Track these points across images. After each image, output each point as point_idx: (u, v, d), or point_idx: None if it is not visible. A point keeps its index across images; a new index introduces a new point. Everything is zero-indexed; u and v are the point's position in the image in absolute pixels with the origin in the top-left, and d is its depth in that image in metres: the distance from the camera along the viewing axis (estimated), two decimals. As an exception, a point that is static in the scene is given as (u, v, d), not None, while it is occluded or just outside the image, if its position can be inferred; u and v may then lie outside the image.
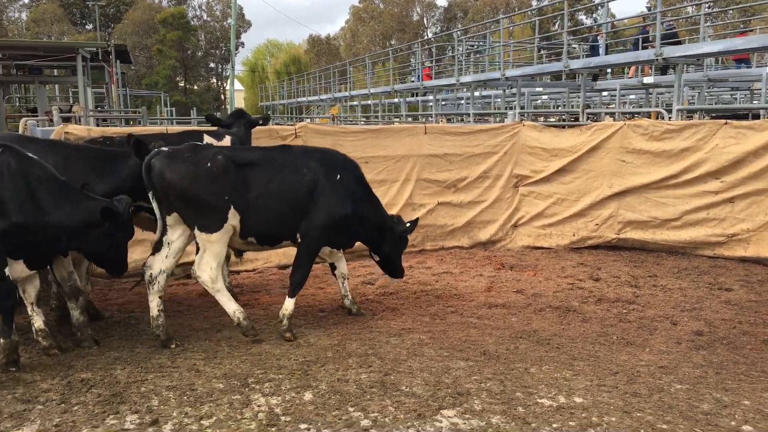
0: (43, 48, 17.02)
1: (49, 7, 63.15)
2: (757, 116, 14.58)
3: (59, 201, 4.80)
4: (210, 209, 5.39)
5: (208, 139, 6.50)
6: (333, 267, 6.33)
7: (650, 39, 13.52)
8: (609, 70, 21.54)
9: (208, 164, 5.39)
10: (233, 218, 5.44)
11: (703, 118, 13.40)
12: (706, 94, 18.68)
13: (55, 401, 4.26)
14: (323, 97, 31.89)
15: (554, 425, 3.97)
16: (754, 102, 18.19)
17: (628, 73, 18.24)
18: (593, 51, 16.53)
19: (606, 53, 14.11)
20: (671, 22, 16.97)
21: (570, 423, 4.00)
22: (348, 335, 5.61)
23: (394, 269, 6.44)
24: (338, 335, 5.62)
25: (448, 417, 4.09)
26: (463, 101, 25.19)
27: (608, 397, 4.36)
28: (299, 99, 36.09)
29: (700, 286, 7.16)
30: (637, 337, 5.60)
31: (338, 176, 5.75)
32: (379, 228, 6.12)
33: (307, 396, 4.38)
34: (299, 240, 5.71)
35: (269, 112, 39.16)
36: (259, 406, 4.23)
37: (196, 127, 8.41)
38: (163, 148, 5.48)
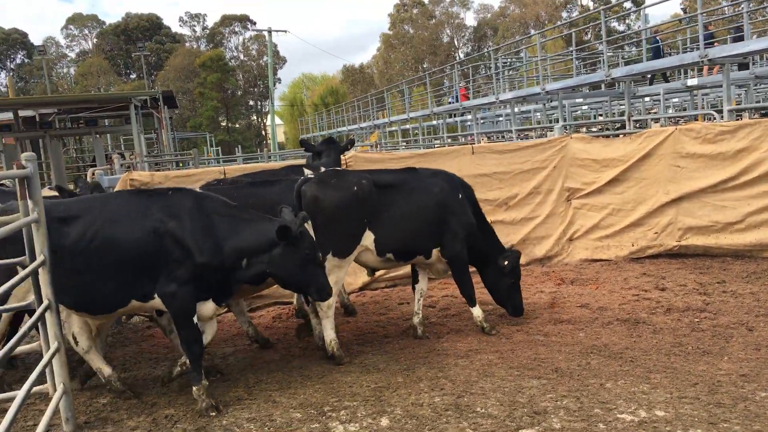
0: (98, 100, 17.87)
1: (95, 61, 66.30)
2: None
3: (235, 226, 4.92)
4: (349, 233, 5.80)
5: (307, 172, 6.74)
6: (415, 280, 6.57)
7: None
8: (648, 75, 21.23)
9: (355, 188, 5.75)
10: (367, 239, 5.88)
11: (753, 116, 13.08)
12: (753, 91, 18.23)
13: (142, 438, 4.42)
14: (363, 125, 32.35)
15: (638, 440, 3.91)
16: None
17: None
18: (656, 53, 16.29)
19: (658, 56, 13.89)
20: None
21: (654, 437, 3.93)
22: (416, 359, 5.64)
23: (501, 300, 6.60)
24: (406, 360, 5.65)
25: (528, 437, 4.07)
26: (501, 118, 25.19)
27: (691, 409, 4.26)
28: (339, 129, 36.67)
29: (774, 290, 6.92)
30: (713, 345, 5.45)
31: (460, 195, 6.30)
32: (485, 252, 6.46)
33: (384, 422, 4.42)
34: (444, 257, 6.24)
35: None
36: (338, 433, 4.30)
37: (294, 162, 8.93)
38: (310, 175, 5.89)
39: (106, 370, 5.21)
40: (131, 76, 71.10)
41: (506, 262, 6.36)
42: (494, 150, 9.14)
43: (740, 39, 11.68)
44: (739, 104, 17.77)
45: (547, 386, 4.82)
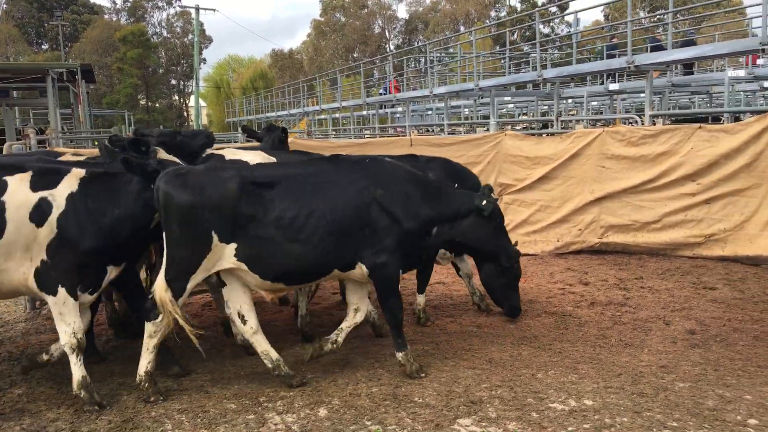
0: (11, 70, 16.60)
1: (4, 27, 61.64)
2: (717, 120, 15.18)
3: (428, 194, 5.02)
4: None
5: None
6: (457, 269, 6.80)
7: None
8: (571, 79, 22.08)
9: None
10: None
11: (666, 122, 13.86)
12: (668, 99, 19.33)
13: (65, 430, 4.16)
14: (292, 111, 31.83)
15: (569, 429, 4.06)
16: (714, 105, 18.87)
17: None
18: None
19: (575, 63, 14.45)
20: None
21: (584, 426, 4.09)
22: (353, 350, 5.62)
23: (495, 298, 6.44)
24: (343, 350, 5.60)
25: (466, 426, 4.14)
26: (431, 112, 25.47)
27: (617, 399, 4.47)
28: (268, 114, 35.92)
29: (685, 286, 7.38)
30: (634, 338, 5.75)
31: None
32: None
33: (322, 412, 4.38)
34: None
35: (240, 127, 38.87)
36: (275, 424, 4.22)
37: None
38: None
39: (273, 354, 4.90)
40: (43, 47, 66.67)
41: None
42: (431, 143, 9.24)
43: (659, 48, 12.36)
44: (654, 110, 18.81)
45: (481, 376, 4.93)
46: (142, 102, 65.23)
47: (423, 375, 4.90)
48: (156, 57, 65.71)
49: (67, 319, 4.48)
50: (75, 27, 64.46)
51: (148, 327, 4.64)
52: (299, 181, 4.79)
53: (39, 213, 4.42)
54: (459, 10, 67.37)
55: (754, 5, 13.88)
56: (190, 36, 63.03)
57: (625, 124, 11.86)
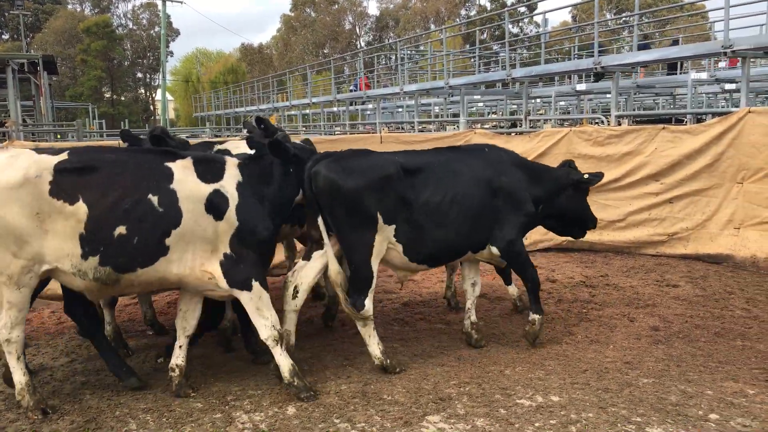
0: (-32, 59, 16.07)
1: (-39, 15, 59.63)
2: (680, 121, 15.56)
3: (534, 176, 5.56)
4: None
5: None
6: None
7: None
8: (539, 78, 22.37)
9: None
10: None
11: (631, 123, 14.15)
12: (633, 99, 19.73)
13: (26, 431, 4.05)
14: (262, 107, 31.53)
15: (536, 424, 4.10)
16: (677, 106, 19.34)
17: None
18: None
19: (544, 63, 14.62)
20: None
21: (551, 421, 4.14)
22: (322, 347, 5.59)
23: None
24: (311, 348, 5.59)
25: (435, 422, 4.15)
26: (401, 110, 25.53)
27: (582, 394, 4.53)
28: (237, 109, 35.51)
29: (649, 284, 7.53)
30: (600, 335, 5.84)
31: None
32: None
33: (291, 410, 4.34)
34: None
35: (208, 123, 38.36)
36: (243, 423, 4.17)
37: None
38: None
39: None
40: (3, 37, 64.67)
41: None
42: (401, 140, 9.24)
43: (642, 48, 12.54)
44: (620, 110, 19.18)
45: (450, 373, 4.95)
46: (107, 95, 63.87)
47: (539, 342, 5.47)
48: (121, 49, 64.40)
49: (265, 312, 4.51)
50: (37, 17, 62.72)
51: (359, 315, 4.93)
52: (439, 169, 5.14)
53: (215, 205, 4.40)
54: (429, 8, 67.58)
55: (716, 9, 14.25)
56: (157, 28, 61.93)
57: (591, 123, 12.07)
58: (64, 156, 4.19)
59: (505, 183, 5.31)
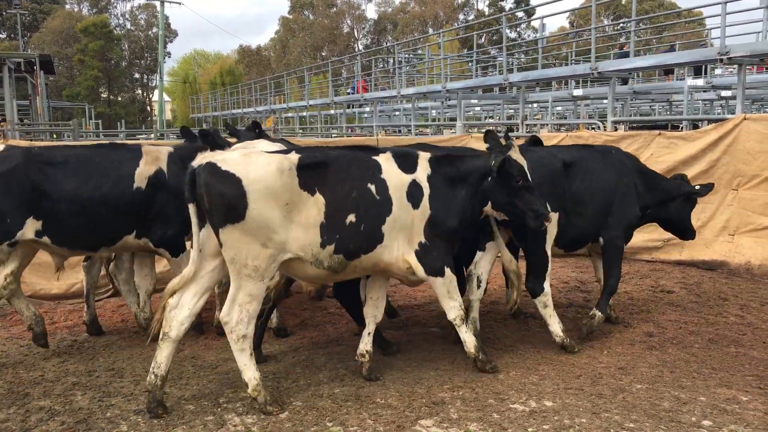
0: (-36, 58, 16.02)
1: (-42, 14, 59.47)
2: (676, 127, 15.61)
3: (646, 181, 6.05)
4: None
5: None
6: None
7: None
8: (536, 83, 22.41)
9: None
10: None
11: (627, 129, 14.19)
12: (629, 106, 19.81)
13: (15, 431, 4.01)
14: (259, 108, 31.52)
15: (530, 429, 4.09)
16: (672, 113, 19.41)
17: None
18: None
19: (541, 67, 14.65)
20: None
21: (544, 426, 4.13)
22: (315, 350, 5.57)
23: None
24: (305, 350, 5.57)
25: (427, 427, 4.14)
26: (398, 113, 25.57)
27: (576, 400, 4.52)
28: (234, 111, 35.49)
29: (643, 289, 7.54)
30: (594, 340, 5.82)
31: None
32: None
33: (283, 414, 4.32)
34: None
35: (204, 124, 38.32)
36: (234, 426, 4.14)
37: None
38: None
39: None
40: (0, 36, 64.52)
41: None
42: (397, 144, 9.20)
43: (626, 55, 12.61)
44: (616, 116, 19.24)
45: (444, 377, 4.94)
46: (104, 95, 63.73)
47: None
48: (119, 49, 64.31)
49: (454, 295, 4.95)
50: (34, 16, 62.61)
51: (540, 299, 5.51)
52: (580, 164, 5.71)
53: (413, 195, 4.75)
54: (428, 12, 67.77)
55: (713, 16, 14.30)
56: (155, 29, 61.95)
57: (588, 129, 12.09)
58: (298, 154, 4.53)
59: (623, 186, 5.85)
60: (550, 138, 9.51)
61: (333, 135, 22.89)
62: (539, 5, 25.77)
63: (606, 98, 14.67)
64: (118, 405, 4.42)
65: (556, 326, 5.51)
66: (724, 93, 15.99)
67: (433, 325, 6.33)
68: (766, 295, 7.27)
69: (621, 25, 30.27)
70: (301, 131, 25.47)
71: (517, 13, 53.80)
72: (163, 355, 4.26)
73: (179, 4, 42.96)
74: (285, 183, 4.25)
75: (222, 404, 4.45)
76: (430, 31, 60.48)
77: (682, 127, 14.49)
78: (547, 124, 16.67)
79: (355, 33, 72.33)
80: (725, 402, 4.45)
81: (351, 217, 4.47)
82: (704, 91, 16.99)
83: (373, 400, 4.51)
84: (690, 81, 14.82)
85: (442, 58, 17.34)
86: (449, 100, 18.47)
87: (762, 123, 8.34)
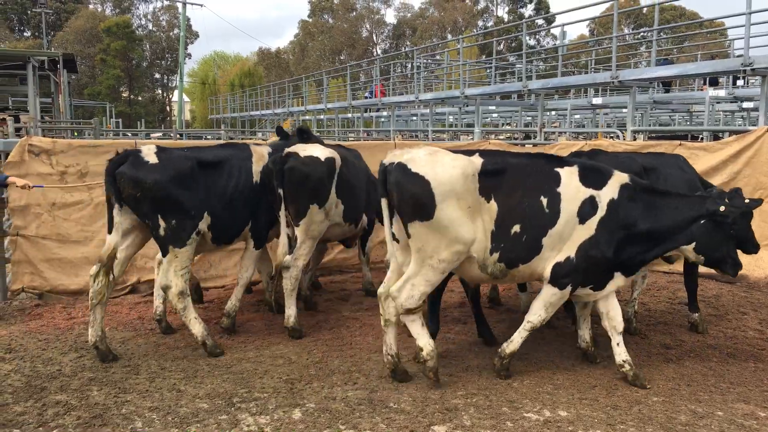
0: (-8, 55, 16.30)
1: (-15, 12, 60.55)
2: (696, 138, 15.45)
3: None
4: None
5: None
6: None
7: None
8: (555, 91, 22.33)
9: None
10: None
11: (646, 138, 14.07)
12: (649, 115, 19.64)
13: (32, 425, 4.06)
14: (277, 111, 31.68)
15: (544, 439, 4.05)
16: (693, 123, 19.21)
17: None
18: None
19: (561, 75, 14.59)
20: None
21: (558, 436, 4.09)
22: (329, 352, 5.58)
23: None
24: (319, 352, 5.57)
25: (440, 433, 4.12)
26: (416, 118, 25.56)
27: (590, 410, 4.48)
28: (252, 112, 35.72)
29: (660, 301, 7.45)
30: (610, 351, 5.74)
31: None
32: None
33: (296, 414, 4.33)
34: None
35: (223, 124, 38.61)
36: (248, 426, 4.16)
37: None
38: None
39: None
40: (25, 34, 65.55)
41: None
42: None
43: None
44: (636, 126, 19.08)
45: (458, 383, 4.92)
46: (125, 94, 64.44)
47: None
48: (140, 50, 65.01)
49: (551, 309, 5.00)
50: (58, 16, 63.54)
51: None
52: (659, 170, 6.09)
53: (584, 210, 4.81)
54: (447, 18, 67.75)
55: (737, 26, 14.14)
56: (176, 30, 62.51)
57: (606, 138, 12.00)
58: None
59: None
60: (568, 146, 9.46)
61: (350, 138, 22.96)
62: (559, 13, 25.62)
63: (625, 107, 14.57)
64: (134, 401, 4.46)
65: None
66: (746, 104, 15.81)
67: (448, 331, 6.29)
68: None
69: (642, 34, 30.10)
70: (318, 134, 25.56)
71: (537, 21, 53.65)
72: (390, 336, 4.88)
73: (201, 6, 43.43)
74: (469, 187, 4.56)
75: (236, 404, 4.47)
76: (449, 37, 60.47)
77: (702, 138, 14.35)
78: (566, 132, 16.57)
79: (374, 37, 72.51)
80: (743, 417, 4.39)
81: (516, 228, 4.68)
82: (726, 102, 16.81)
83: (386, 405, 4.50)
84: (711, 92, 14.67)
85: (461, 63, 17.31)
86: (467, 106, 18.44)
87: (785, 135, 8.23)
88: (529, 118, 23.76)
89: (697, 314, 6.36)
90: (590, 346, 5.52)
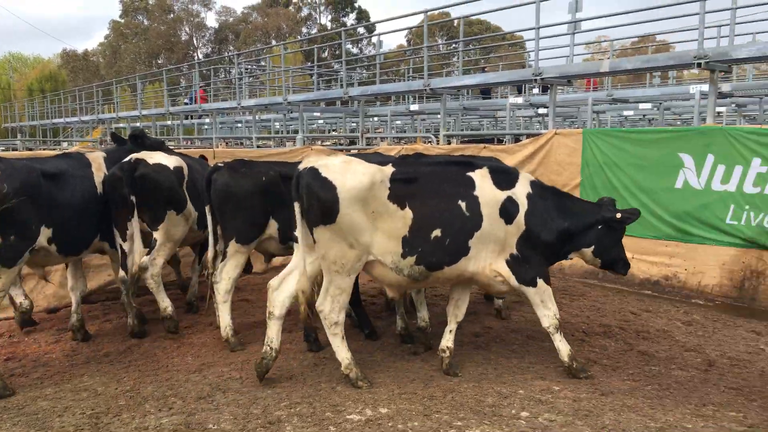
0: None
1: None
2: (501, 141, 16.95)
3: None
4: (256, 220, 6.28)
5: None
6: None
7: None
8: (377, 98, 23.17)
9: (263, 178, 6.16)
10: (271, 227, 6.35)
11: (459, 142, 15.14)
12: (461, 121, 21.14)
13: None
14: (84, 118, 29.07)
15: (364, 438, 4.13)
16: (499, 128, 21.04)
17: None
18: None
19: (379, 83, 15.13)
20: None
21: (379, 433, 4.20)
22: (141, 378, 5.20)
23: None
24: (130, 380, 5.17)
25: (262, 448, 4.02)
26: (240, 125, 25.00)
27: (409, 404, 4.65)
28: (54, 120, 32.38)
29: (472, 293, 7.98)
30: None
31: None
32: None
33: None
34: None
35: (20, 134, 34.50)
36: None
37: None
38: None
39: None
40: None
41: None
42: (236, 155, 8.93)
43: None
44: (448, 131, 20.42)
45: (282, 394, 4.85)
46: None
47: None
48: None
49: (548, 304, 5.23)
50: None
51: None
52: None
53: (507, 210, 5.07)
54: (270, 24, 67.22)
55: (529, 39, 15.74)
56: (-41, 27, 54.72)
57: (424, 142, 12.69)
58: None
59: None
60: (388, 151, 9.83)
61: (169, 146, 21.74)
62: (378, 22, 26.63)
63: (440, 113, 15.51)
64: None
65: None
66: (541, 110, 17.64)
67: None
68: (571, 288, 8.07)
69: (453, 45, 32.33)
70: (160, 138, 23.90)
71: (359, 29, 55.24)
72: (273, 330, 5.07)
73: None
74: (375, 194, 4.74)
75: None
76: (273, 43, 60.06)
77: (505, 141, 15.75)
78: (387, 138, 17.23)
79: (195, 41, 69.68)
80: (540, 393, 4.84)
81: (436, 232, 4.87)
82: (524, 108, 18.62)
83: (204, 427, 4.29)
84: (511, 99, 16.16)
85: (283, 70, 17.24)
86: (291, 112, 18.41)
87: (570, 138, 9.29)
88: (354, 124, 24.38)
89: (501, 301, 6.94)
90: (428, 326, 5.95)
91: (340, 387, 4.99)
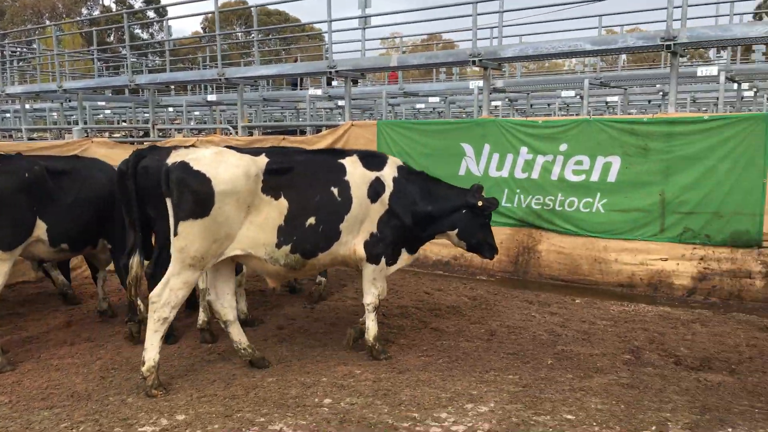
0: None
1: None
2: (304, 132, 17.04)
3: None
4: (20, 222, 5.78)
5: None
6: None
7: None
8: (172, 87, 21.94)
9: (26, 174, 5.66)
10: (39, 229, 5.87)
11: (261, 133, 14.90)
12: (262, 112, 20.80)
13: None
14: None
15: (158, 450, 3.87)
16: (301, 120, 21.13)
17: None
18: None
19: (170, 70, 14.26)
20: None
21: (175, 443, 3.96)
22: None
23: None
24: None
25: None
26: (9, 115, 21.99)
27: (209, 407, 4.46)
28: None
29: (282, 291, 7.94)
30: (229, 344, 5.83)
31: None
32: None
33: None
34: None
35: None
36: None
37: None
38: None
39: None
40: None
41: None
42: (3, 149, 7.81)
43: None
44: (251, 122, 19.99)
45: (61, 415, 4.35)
46: None
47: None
48: None
49: (378, 283, 5.37)
50: None
51: None
52: None
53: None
54: (44, 3, 59.79)
55: (324, 32, 15.97)
56: None
57: (224, 134, 12.24)
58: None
59: None
60: (183, 142, 9.30)
61: None
62: (167, 5, 25.03)
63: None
64: None
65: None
66: (341, 102, 18.02)
67: (51, 357, 5.52)
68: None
69: (252, 35, 31.64)
70: None
71: (148, 13, 51.53)
72: (235, 334, 5.24)
73: None
74: (250, 187, 4.69)
75: None
76: (47, 23, 53.60)
77: (306, 132, 15.86)
78: (184, 129, 16.34)
79: (-54, 17, 59.44)
80: (343, 378, 4.94)
81: (311, 220, 4.95)
82: (325, 100, 18.89)
83: (-38, 464, 3.69)
84: (311, 90, 16.28)
85: (56, 53, 15.41)
86: (70, 101, 16.56)
87: (366, 128, 9.63)
88: (147, 114, 22.71)
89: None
90: (248, 315, 6.09)
91: (132, 399, 4.61)
